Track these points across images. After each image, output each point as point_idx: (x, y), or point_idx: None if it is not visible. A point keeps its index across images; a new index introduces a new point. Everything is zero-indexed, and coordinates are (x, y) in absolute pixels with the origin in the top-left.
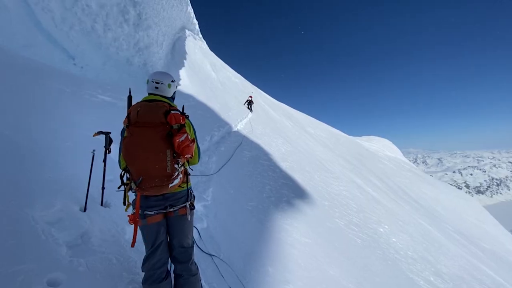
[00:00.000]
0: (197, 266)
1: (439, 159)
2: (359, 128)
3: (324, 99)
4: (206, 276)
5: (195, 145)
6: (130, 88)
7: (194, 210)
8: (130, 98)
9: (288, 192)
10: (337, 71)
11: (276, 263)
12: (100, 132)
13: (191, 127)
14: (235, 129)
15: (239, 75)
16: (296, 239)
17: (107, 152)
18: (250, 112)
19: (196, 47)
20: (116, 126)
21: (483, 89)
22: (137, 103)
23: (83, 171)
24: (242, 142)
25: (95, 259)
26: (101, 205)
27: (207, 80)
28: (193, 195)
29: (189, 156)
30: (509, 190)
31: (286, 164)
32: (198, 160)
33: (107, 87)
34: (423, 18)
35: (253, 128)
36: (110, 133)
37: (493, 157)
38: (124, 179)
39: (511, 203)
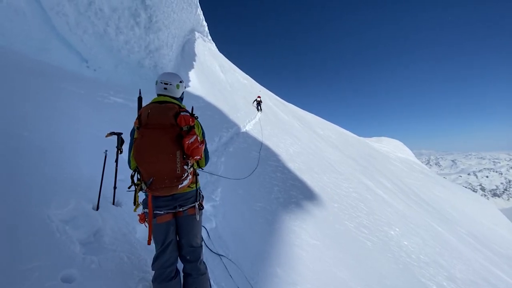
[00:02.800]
0: (205, 266)
1: (453, 160)
2: (369, 129)
3: (334, 100)
4: (214, 275)
5: (204, 146)
6: (140, 90)
7: (203, 210)
8: (140, 99)
9: (296, 193)
10: (347, 71)
11: (284, 264)
12: (112, 133)
13: (200, 128)
14: (243, 130)
15: (247, 76)
16: (305, 240)
17: (119, 152)
18: (259, 112)
19: (205, 49)
20: (128, 127)
21: (498, 88)
22: (147, 104)
23: (95, 171)
24: (251, 143)
25: (107, 257)
26: (113, 204)
27: (216, 81)
28: (202, 195)
29: (198, 157)
30: None
31: (295, 165)
32: (206, 163)
33: (119, 89)
34: (436, 16)
35: (262, 128)
36: (122, 133)
37: (510, 159)
38: (135, 179)
39: None
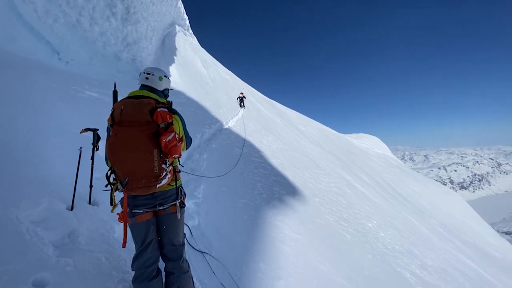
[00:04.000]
0: (188, 264)
1: (425, 156)
2: (349, 126)
3: (315, 97)
4: (197, 273)
5: (183, 144)
6: (115, 82)
7: (185, 208)
8: (115, 93)
9: (279, 189)
10: (328, 68)
11: (267, 259)
12: (88, 129)
13: (180, 122)
14: (226, 126)
15: (230, 71)
16: (287, 235)
17: (95, 149)
18: (242, 109)
19: (187, 43)
20: (104, 123)
21: (467, 89)
22: (121, 100)
23: (70, 169)
24: (234, 140)
25: (84, 258)
26: (89, 203)
27: (198, 76)
28: (184, 192)
29: (177, 155)
30: (490, 185)
31: (278, 161)
32: (187, 147)
33: (94, 82)
34: (414, 16)
35: (245, 125)
36: (97, 129)
37: (476, 154)
38: (111, 179)
39: (492, 198)
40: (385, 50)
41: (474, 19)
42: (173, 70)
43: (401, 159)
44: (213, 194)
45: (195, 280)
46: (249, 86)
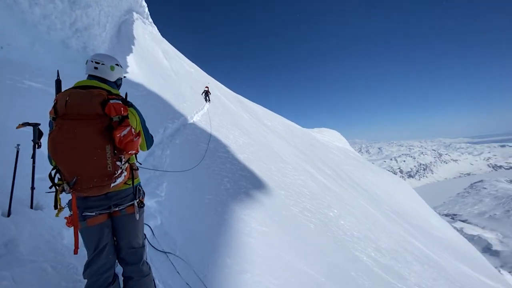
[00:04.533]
0: (149, 266)
1: (379, 148)
2: (312, 121)
3: (280, 92)
4: (160, 274)
5: (141, 139)
6: (58, 71)
7: (144, 208)
8: (58, 82)
9: (246, 183)
10: (293, 62)
11: (234, 254)
12: (26, 124)
13: (137, 116)
14: (191, 121)
15: (194, 65)
16: (254, 228)
17: (37, 146)
18: (207, 103)
19: (146, 32)
20: (48, 117)
21: (413, 86)
22: (66, 90)
23: (6, 170)
24: (199, 135)
25: (25, 269)
26: (31, 207)
27: (159, 68)
28: (142, 191)
29: (133, 152)
30: (432, 173)
31: (244, 156)
32: (148, 147)
33: (37, 71)
34: (366, 13)
35: (210, 120)
36: (39, 124)
37: (421, 146)
38: (55, 179)
39: (434, 184)
40: (344, 47)
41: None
42: (130, 61)
43: (359, 152)
44: (177, 191)
45: (157, 282)
46: (215, 80)
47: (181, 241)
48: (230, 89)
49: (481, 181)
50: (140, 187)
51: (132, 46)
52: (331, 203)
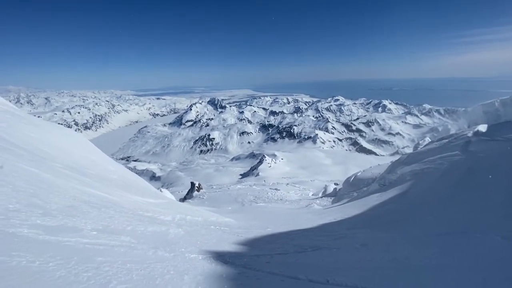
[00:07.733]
0: None
1: (46, 98)
2: None
3: None
4: None
5: None
6: None
7: None
8: None
9: None
10: None
11: None
12: None
13: None
14: None
15: None
16: None
17: None
18: None
19: None
20: None
21: (86, 38)
22: None
23: None
24: None
25: None
26: None
27: None
28: None
29: None
30: (108, 123)
31: None
32: None
33: None
34: None
35: None
36: None
37: (95, 97)
38: None
39: (110, 133)
40: None
41: None
42: None
43: (16, 103)
44: None
45: None
46: None
47: None
48: None
49: (145, 126)
50: None
51: None
52: None
